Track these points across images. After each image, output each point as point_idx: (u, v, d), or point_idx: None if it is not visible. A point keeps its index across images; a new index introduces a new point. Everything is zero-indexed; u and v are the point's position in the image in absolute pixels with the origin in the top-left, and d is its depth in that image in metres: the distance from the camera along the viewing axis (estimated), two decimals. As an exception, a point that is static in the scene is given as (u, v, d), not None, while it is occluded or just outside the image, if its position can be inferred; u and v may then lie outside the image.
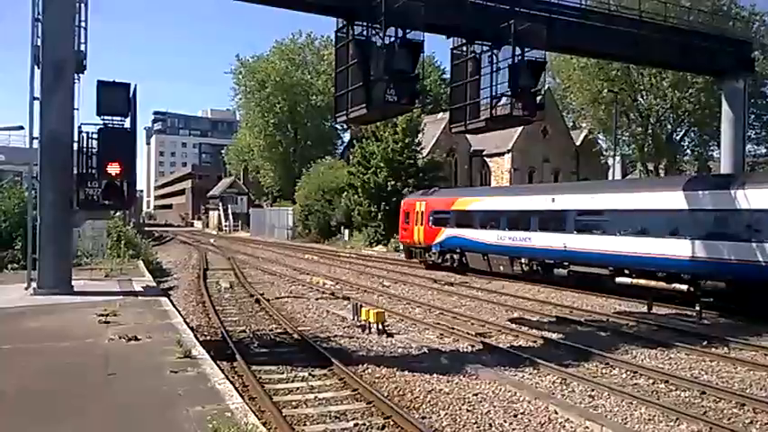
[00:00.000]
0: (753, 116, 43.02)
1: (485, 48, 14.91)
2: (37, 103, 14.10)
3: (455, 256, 28.02)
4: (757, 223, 16.10)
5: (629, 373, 11.08)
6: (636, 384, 10.45)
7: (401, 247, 34.70)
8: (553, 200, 22.97)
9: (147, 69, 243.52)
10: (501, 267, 25.03)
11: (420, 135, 49.98)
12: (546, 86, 21.31)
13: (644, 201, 19.41)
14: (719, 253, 16.73)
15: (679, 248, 17.60)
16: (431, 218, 29.57)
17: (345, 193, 48.97)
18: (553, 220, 22.57)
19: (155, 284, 18.55)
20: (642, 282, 18.39)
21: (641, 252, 18.67)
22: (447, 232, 28.37)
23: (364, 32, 12.92)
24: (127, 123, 14.61)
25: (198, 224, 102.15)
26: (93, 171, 14.55)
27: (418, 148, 49.61)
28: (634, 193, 20.55)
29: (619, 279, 19.21)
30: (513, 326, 15.33)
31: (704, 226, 17.54)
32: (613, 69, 41.94)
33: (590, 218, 21.36)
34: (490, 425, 8.38)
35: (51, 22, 14.14)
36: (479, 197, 28.86)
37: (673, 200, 18.30)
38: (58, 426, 6.37)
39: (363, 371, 10.77)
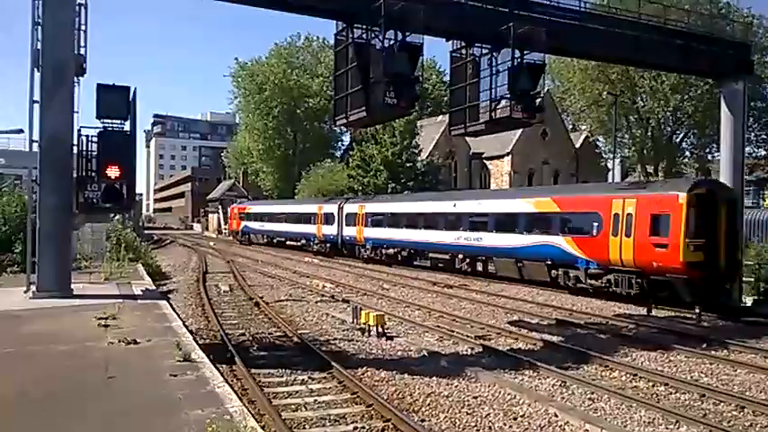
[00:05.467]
0: (752, 118, 43.08)
1: (484, 50, 14.90)
2: (37, 107, 14.09)
3: (247, 236, 54.96)
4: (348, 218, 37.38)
5: (628, 375, 11.08)
6: (636, 387, 10.46)
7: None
8: (277, 206, 51.40)
9: (146, 72, 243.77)
10: (262, 240, 51.71)
11: (417, 137, 50.02)
12: (545, 89, 21.32)
13: (288, 209, 48.38)
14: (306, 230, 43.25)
15: (299, 229, 44.28)
16: (238, 216, 57.06)
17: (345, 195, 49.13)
18: (275, 217, 49.45)
19: (154, 288, 18.53)
20: (294, 243, 45.50)
21: (292, 231, 45.52)
22: (244, 223, 55.73)
23: (364, 35, 12.91)
24: (126, 126, 14.61)
25: (197, 227, 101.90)
26: (93, 174, 14.55)
27: (416, 151, 49.60)
28: (288, 205, 49.86)
29: (276, 239, 48.66)
30: (513, 328, 15.32)
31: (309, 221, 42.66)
32: (613, 72, 41.99)
33: (283, 215, 47.62)
34: (490, 428, 8.38)
35: (51, 26, 14.14)
36: (253, 205, 56.90)
37: (299, 209, 46.13)
38: (57, 429, 6.37)
39: (363, 374, 10.77)
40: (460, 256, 27.76)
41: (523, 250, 23.54)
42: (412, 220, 31.43)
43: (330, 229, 39.02)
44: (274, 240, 49.17)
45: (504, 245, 24.55)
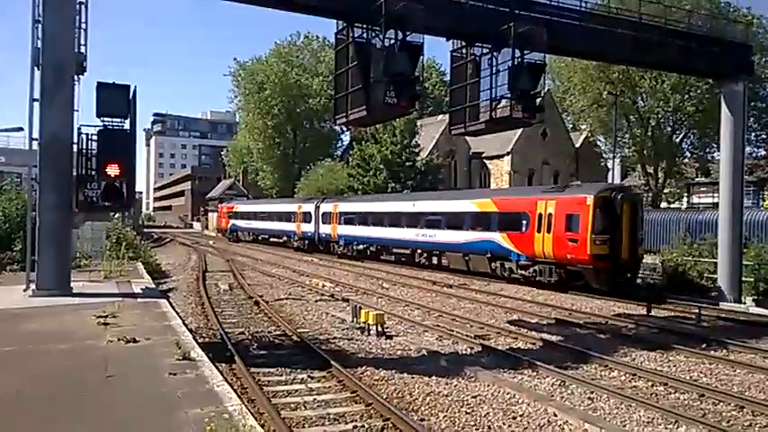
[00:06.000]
0: (752, 119, 43.04)
1: (485, 50, 14.89)
2: (37, 105, 14.08)
3: (235, 234, 57.78)
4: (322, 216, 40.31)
5: (628, 375, 11.09)
6: (635, 387, 10.46)
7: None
8: (261, 206, 55.15)
9: (146, 71, 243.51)
10: (248, 237, 54.79)
11: (417, 137, 49.97)
12: (546, 89, 21.42)
13: (270, 208, 51.53)
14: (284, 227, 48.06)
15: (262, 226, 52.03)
16: (227, 214, 60.90)
17: (345, 195, 49.08)
18: (259, 215, 52.92)
19: (154, 286, 18.52)
20: (276, 240, 48.79)
21: (275, 228, 48.80)
22: (231, 221, 59.29)
23: (364, 35, 12.90)
24: (126, 125, 14.60)
25: (197, 226, 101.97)
26: (93, 172, 14.53)
27: (416, 150, 49.55)
28: (271, 205, 53.49)
29: (261, 236, 52.13)
30: (512, 328, 15.33)
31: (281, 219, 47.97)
32: (614, 72, 41.95)
33: (267, 214, 51.15)
34: (489, 427, 8.38)
35: (51, 24, 14.12)
36: (239, 204, 61.32)
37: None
38: (56, 428, 6.38)
39: (362, 373, 10.77)
40: (419, 251, 30.75)
41: (468, 245, 26.75)
42: (378, 219, 34.40)
43: (308, 227, 42.32)
44: (259, 237, 52.89)
45: (453, 241, 27.85)
